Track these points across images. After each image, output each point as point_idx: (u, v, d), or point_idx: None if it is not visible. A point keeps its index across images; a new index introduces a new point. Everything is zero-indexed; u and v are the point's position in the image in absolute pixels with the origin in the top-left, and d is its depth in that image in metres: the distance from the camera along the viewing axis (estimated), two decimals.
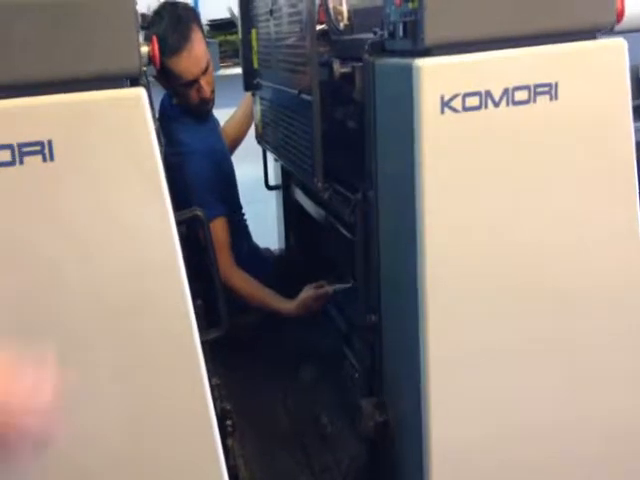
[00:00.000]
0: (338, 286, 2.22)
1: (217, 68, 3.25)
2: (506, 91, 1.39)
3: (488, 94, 1.38)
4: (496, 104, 1.39)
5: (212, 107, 2.50)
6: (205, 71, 2.36)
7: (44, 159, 1.30)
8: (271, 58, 2.25)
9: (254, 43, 2.48)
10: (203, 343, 1.47)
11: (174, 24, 2.28)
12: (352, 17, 1.98)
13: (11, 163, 1.29)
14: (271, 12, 2.16)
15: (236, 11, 2.61)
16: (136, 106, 1.33)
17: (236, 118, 2.88)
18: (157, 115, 2.39)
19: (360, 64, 1.63)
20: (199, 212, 1.60)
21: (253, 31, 2.46)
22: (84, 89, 1.31)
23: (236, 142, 2.88)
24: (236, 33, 2.72)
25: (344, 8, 1.97)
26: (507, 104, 1.39)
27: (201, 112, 2.48)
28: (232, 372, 2.09)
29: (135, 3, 1.34)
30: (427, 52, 1.39)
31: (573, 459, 1.62)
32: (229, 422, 1.70)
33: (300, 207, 2.52)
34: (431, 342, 1.47)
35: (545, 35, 1.42)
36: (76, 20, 1.30)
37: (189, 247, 1.51)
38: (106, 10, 1.31)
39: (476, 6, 1.39)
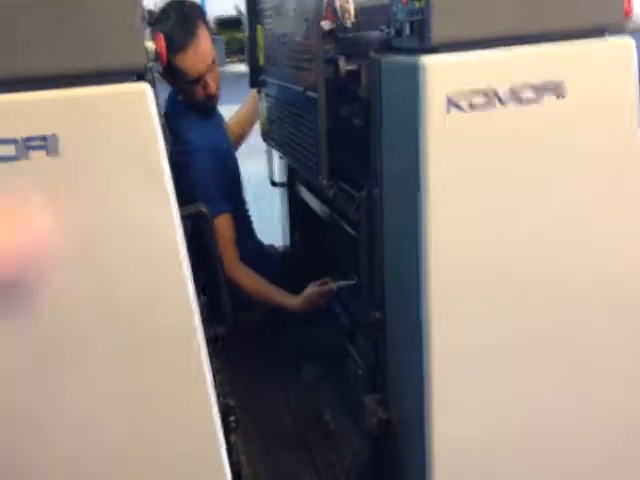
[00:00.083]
0: (342, 283, 2.22)
1: (223, 64, 3.26)
2: (513, 90, 1.38)
3: (494, 93, 1.38)
4: (502, 103, 1.38)
5: (217, 104, 2.50)
6: (211, 68, 2.36)
7: (49, 154, 1.30)
8: (277, 55, 2.25)
9: (260, 40, 2.48)
10: (207, 339, 1.47)
11: (180, 21, 2.28)
12: (359, 15, 1.97)
13: (16, 157, 1.29)
14: (277, 9, 2.16)
15: (243, 8, 2.61)
16: (141, 101, 1.33)
17: (241, 115, 2.89)
18: (163, 111, 2.39)
19: (366, 62, 1.62)
20: (203, 208, 1.60)
21: (259, 28, 2.46)
22: (89, 84, 1.31)
23: (241, 139, 2.88)
24: (242, 30, 2.72)
25: (351, 6, 1.97)
26: (513, 103, 1.39)
27: (206, 108, 2.48)
28: (235, 368, 2.09)
29: None
30: (433, 50, 1.39)
31: (575, 457, 1.62)
32: (232, 418, 1.69)
33: (305, 204, 2.52)
34: (434, 339, 1.47)
35: (552, 33, 1.42)
36: (82, 15, 1.30)
37: (193, 243, 1.51)
38: (112, 5, 1.31)
39: (483, 4, 1.38)
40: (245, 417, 1.85)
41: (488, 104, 1.38)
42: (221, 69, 2.59)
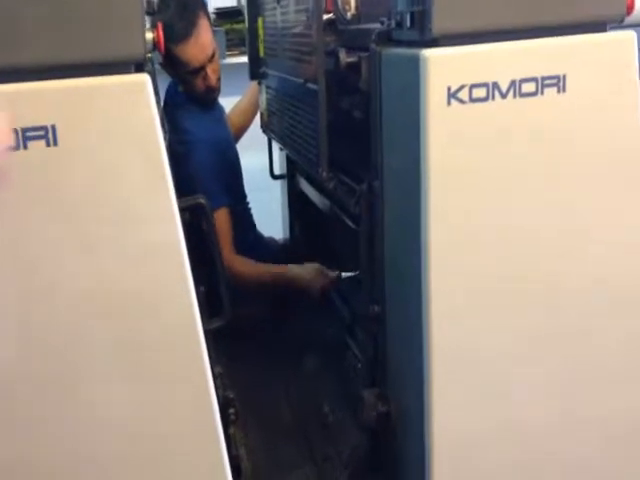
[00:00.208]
0: (344, 274, 2.22)
1: (223, 56, 3.25)
2: (513, 83, 1.38)
3: (495, 85, 1.37)
4: (503, 96, 1.38)
5: (218, 95, 2.50)
6: (211, 59, 2.36)
7: (48, 144, 1.29)
8: (277, 47, 2.24)
9: (260, 31, 2.47)
10: (206, 332, 1.46)
11: (181, 11, 2.27)
12: (359, 6, 1.97)
13: (15, 148, 1.29)
14: (278, 0, 2.15)
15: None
16: (140, 92, 1.32)
17: (241, 106, 2.88)
18: (162, 102, 2.38)
19: (367, 54, 1.62)
20: (202, 200, 1.59)
21: (259, 19, 2.45)
22: (88, 74, 1.30)
23: (241, 131, 2.88)
24: (243, 21, 2.72)
25: None
26: (514, 96, 1.38)
27: (207, 100, 2.47)
28: (235, 361, 2.08)
29: None
30: (434, 42, 1.38)
31: (573, 452, 1.62)
32: (232, 411, 1.69)
33: (305, 197, 2.52)
34: (434, 333, 1.46)
35: (554, 27, 1.41)
36: (81, 5, 1.29)
37: (192, 235, 1.51)
38: None
39: None
40: (245, 410, 1.85)
41: (489, 97, 1.37)
42: (222, 62, 2.59)
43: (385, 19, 1.62)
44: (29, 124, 1.28)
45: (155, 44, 1.43)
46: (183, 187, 1.50)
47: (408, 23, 1.46)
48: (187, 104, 2.46)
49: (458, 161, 1.41)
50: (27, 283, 1.36)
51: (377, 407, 1.71)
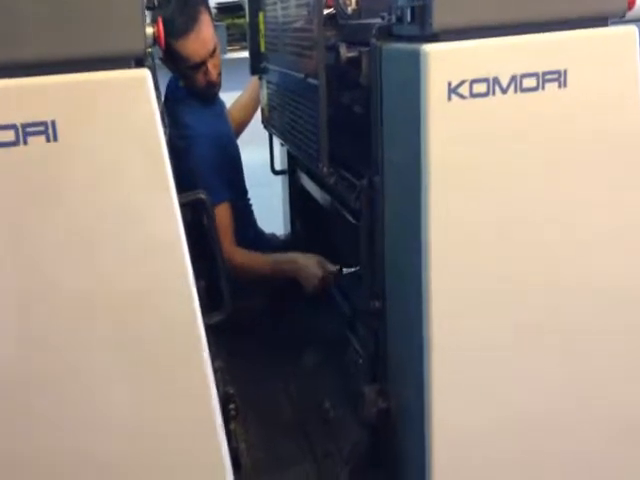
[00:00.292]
0: (345, 269, 2.22)
1: (224, 51, 3.24)
2: (514, 78, 1.37)
3: (496, 81, 1.37)
4: (504, 91, 1.38)
5: (219, 90, 2.49)
6: (212, 54, 2.35)
7: (48, 139, 1.29)
8: (278, 42, 2.24)
9: (261, 26, 2.46)
10: (206, 326, 1.46)
11: (182, 6, 2.27)
12: (360, 1, 1.96)
13: (15, 143, 1.28)
14: None
15: None
16: (140, 87, 1.32)
17: (242, 102, 2.87)
18: (163, 98, 2.38)
19: (367, 49, 1.61)
20: (203, 195, 1.59)
21: (260, 14, 2.44)
22: (88, 69, 1.30)
23: (242, 126, 2.87)
24: (244, 16, 2.71)
25: None
26: (515, 91, 1.38)
27: (207, 95, 2.47)
28: (235, 356, 2.08)
29: None
30: (435, 37, 1.38)
31: (573, 448, 1.62)
32: (232, 406, 1.69)
33: (306, 192, 2.51)
34: (434, 329, 1.46)
35: (555, 22, 1.41)
36: (81, 0, 1.29)
37: (193, 230, 1.50)
38: None
39: None
40: (245, 405, 1.85)
41: (489, 92, 1.37)
42: (223, 57, 2.58)
43: (386, 14, 1.62)
44: (29, 119, 1.28)
45: (155, 39, 1.43)
46: (184, 182, 1.50)
47: (409, 18, 1.45)
48: (188, 99, 2.45)
49: (458, 156, 1.40)
50: (27, 280, 1.36)
51: (378, 403, 1.71)
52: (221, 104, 2.64)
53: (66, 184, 1.32)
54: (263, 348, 2.35)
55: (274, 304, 2.49)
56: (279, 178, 2.92)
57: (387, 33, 1.57)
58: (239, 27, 3.55)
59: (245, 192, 2.69)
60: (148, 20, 1.40)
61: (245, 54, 2.67)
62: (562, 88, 1.40)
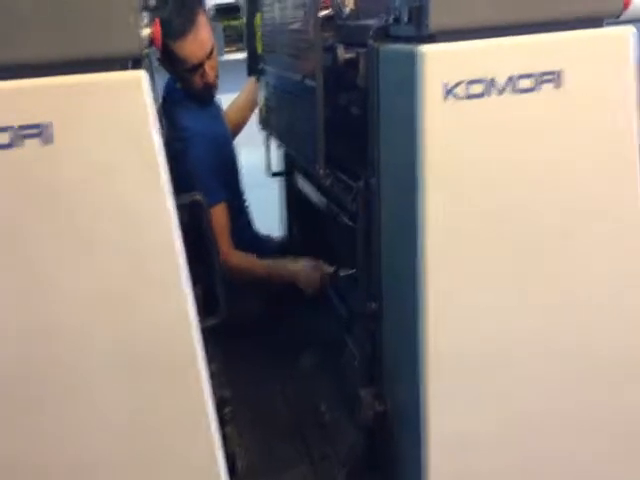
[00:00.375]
0: (342, 271, 2.21)
1: (221, 53, 3.24)
2: (510, 79, 1.37)
3: (492, 81, 1.37)
4: (500, 92, 1.37)
5: (215, 92, 2.49)
6: (209, 55, 2.35)
7: (43, 142, 1.29)
8: (275, 43, 2.24)
9: (258, 28, 2.46)
10: (202, 330, 1.46)
11: (179, 8, 2.26)
12: (358, 2, 1.96)
13: (10, 145, 1.28)
14: None
15: None
16: (137, 89, 1.31)
17: (239, 103, 2.87)
18: (160, 99, 2.38)
19: (364, 50, 1.61)
20: (199, 197, 1.58)
21: (257, 15, 2.44)
22: (84, 71, 1.30)
23: (238, 127, 2.87)
24: (241, 18, 2.71)
25: None
26: (511, 92, 1.38)
27: (205, 97, 2.47)
28: (232, 359, 2.08)
29: None
30: (431, 38, 1.37)
31: (571, 451, 1.62)
32: (227, 409, 1.69)
33: (302, 194, 2.51)
34: (430, 331, 1.46)
35: (550, 22, 1.41)
36: (77, 1, 1.28)
37: (189, 232, 1.50)
38: None
39: None
40: (241, 408, 1.84)
41: (485, 92, 1.37)
42: (220, 58, 2.58)
43: (383, 15, 1.61)
44: (24, 122, 1.27)
45: (152, 41, 1.42)
46: (181, 183, 1.50)
47: (405, 19, 1.45)
48: (185, 101, 2.45)
49: (455, 157, 1.40)
50: (22, 282, 1.35)
51: (374, 406, 1.71)
52: (218, 106, 2.64)
53: (62, 186, 1.32)
54: (260, 351, 2.35)
55: (271, 307, 2.49)
56: (275, 180, 2.92)
57: (384, 34, 1.57)
58: (236, 28, 3.54)
59: (241, 194, 2.68)
60: (145, 21, 1.39)
61: (242, 55, 2.67)
62: (558, 89, 1.40)
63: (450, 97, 1.36)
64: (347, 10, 1.95)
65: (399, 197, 1.53)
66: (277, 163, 2.86)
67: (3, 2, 1.26)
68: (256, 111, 2.73)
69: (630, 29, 1.42)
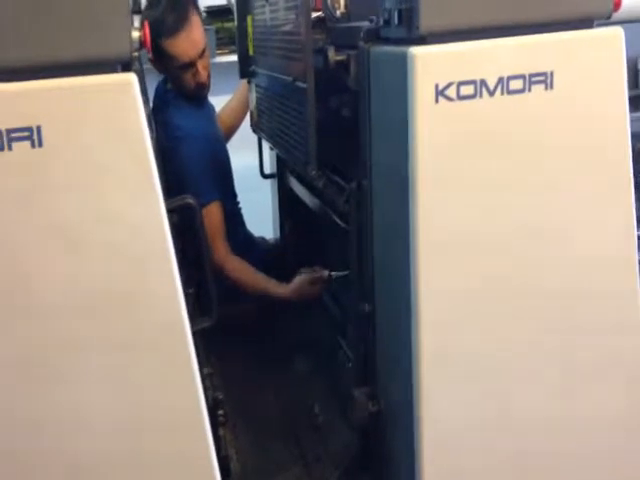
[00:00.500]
0: (335, 273, 2.21)
1: (213, 55, 3.24)
2: (501, 80, 1.37)
3: (483, 83, 1.37)
4: (491, 93, 1.37)
5: (208, 92, 2.49)
6: (202, 54, 2.35)
7: (33, 145, 1.28)
8: (267, 45, 2.24)
9: (250, 30, 2.46)
10: (195, 332, 1.46)
11: (172, 5, 2.26)
12: (349, 4, 1.96)
13: None
14: None
15: None
16: (127, 92, 1.31)
17: (231, 105, 2.87)
18: (152, 102, 2.37)
19: (355, 52, 1.61)
20: (190, 200, 1.58)
21: (249, 18, 2.44)
22: (74, 74, 1.29)
23: (232, 130, 2.87)
24: (233, 20, 2.70)
25: None
26: (502, 93, 1.38)
27: (197, 97, 2.46)
28: (225, 361, 2.08)
29: None
30: (422, 40, 1.38)
31: (565, 447, 1.62)
32: (221, 412, 1.69)
33: (295, 196, 2.51)
34: (423, 331, 1.46)
35: (541, 24, 1.41)
36: (66, 3, 1.28)
37: (181, 235, 1.50)
38: None
39: None
40: (235, 410, 1.84)
41: (476, 94, 1.37)
42: (212, 61, 2.58)
43: (374, 17, 1.61)
44: (14, 125, 1.27)
45: (142, 43, 1.42)
46: (174, 183, 1.49)
47: (396, 21, 1.45)
48: (176, 101, 2.45)
49: (446, 158, 1.40)
50: (12, 285, 1.35)
51: (368, 406, 1.71)
52: (210, 107, 2.64)
53: (52, 190, 1.31)
54: (253, 352, 2.34)
55: (264, 309, 2.48)
56: (268, 183, 2.92)
57: (375, 36, 1.58)
58: (228, 31, 3.55)
59: (235, 196, 2.68)
60: (136, 24, 1.39)
61: (234, 58, 2.67)
62: (549, 90, 1.40)
63: (441, 98, 1.36)
64: (338, 12, 1.95)
65: (391, 198, 1.53)
66: (269, 165, 2.86)
67: None
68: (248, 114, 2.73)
69: (619, 30, 1.42)
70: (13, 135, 1.27)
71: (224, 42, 3.58)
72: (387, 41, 1.52)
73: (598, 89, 1.43)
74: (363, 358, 1.79)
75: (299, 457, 2.03)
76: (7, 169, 1.29)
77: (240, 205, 2.72)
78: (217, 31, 3.56)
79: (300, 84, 1.81)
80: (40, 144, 1.28)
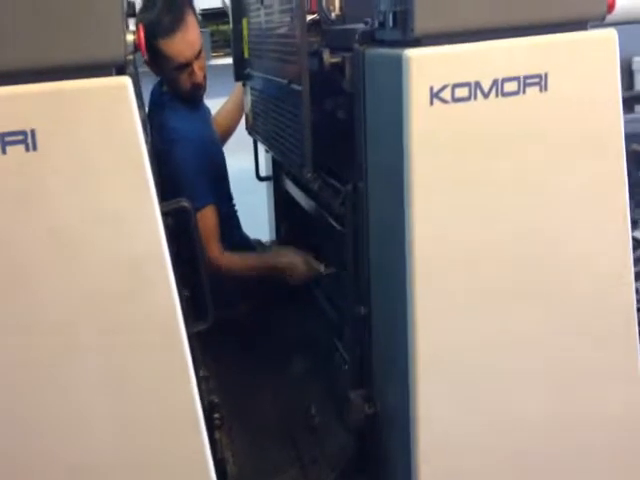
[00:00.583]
0: (326, 269, 2.22)
1: (209, 58, 3.24)
2: (495, 82, 1.37)
3: (477, 85, 1.37)
4: (485, 95, 1.38)
5: (204, 93, 2.49)
6: (198, 55, 2.35)
7: (27, 149, 1.28)
8: (262, 48, 2.24)
9: (245, 33, 2.46)
10: (191, 335, 1.45)
11: (168, 6, 2.26)
12: (344, 7, 1.96)
13: None
14: (262, 1, 2.15)
15: (227, 0, 2.59)
16: (121, 95, 1.31)
17: (227, 108, 2.87)
18: (147, 105, 2.37)
19: (350, 54, 1.61)
20: (185, 203, 1.58)
21: (244, 20, 2.44)
22: (68, 77, 1.29)
23: (228, 132, 2.86)
24: (228, 23, 2.70)
25: None
26: (496, 95, 1.38)
27: (193, 98, 2.46)
28: (221, 364, 2.08)
29: None
30: (417, 42, 1.38)
31: (562, 450, 1.62)
32: (217, 415, 1.68)
33: (291, 198, 2.51)
34: (419, 333, 1.46)
35: (535, 26, 1.41)
36: (60, 7, 1.28)
37: (176, 238, 1.50)
38: None
39: None
40: (231, 413, 1.84)
41: (471, 96, 1.37)
42: (207, 63, 2.58)
43: (369, 19, 1.62)
44: (8, 129, 1.27)
45: (136, 46, 1.42)
46: (169, 185, 1.49)
47: (391, 23, 1.45)
48: (172, 103, 2.44)
49: (441, 160, 1.40)
50: (7, 289, 1.34)
51: (364, 408, 1.71)
52: (206, 110, 2.64)
53: (46, 194, 1.31)
54: (249, 355, 2.34)
55: (260, 311, 2.48)
56: (264, 186, 2.92)
57: (370, 38, 1.58)
58: (223, 34, 3.56)
59: (230, 198, 2.68)
60: (131, 27, 1.39)
61: (229, 60, 2.67)
62: (543, 92, 1.40)
63: (436, 101, 1.36)
64: (333, 15, 1.95)
65: (387, 200, 1.53)
66: (265, 167, 2.86)
67: None
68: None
69: (613, 31, 1.42)
70: (7, 139, 1.27)
71: (219, 45, 3.59)
72: (382, 43, 1.52)
73: (592, 90, 1.44)
74: (359, 360, 1.79)
75: (295, 459, 2.02)
76: (1, 173, 1.28)
77: (236, 208, 2.72)
78: (212, 34, 3.57)
79: (295, 86, 1.81)
80: (34, 148, 1.28)
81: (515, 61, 1.39)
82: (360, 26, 1.65)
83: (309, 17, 1.93)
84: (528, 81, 1.39)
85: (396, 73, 1.38)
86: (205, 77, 2.42)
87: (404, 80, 1.36)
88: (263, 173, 2.85)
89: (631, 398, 1.62)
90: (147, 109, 2.31)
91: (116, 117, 1.32)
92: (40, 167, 1.30)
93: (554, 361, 1.56)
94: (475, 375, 1.52)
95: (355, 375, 1.81)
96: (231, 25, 2.54)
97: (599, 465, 1.65)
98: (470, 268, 1.46)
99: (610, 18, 1.45)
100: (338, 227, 1.84)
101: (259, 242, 2.90)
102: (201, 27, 2.85)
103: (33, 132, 1.28)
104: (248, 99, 2.59)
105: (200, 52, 2.35)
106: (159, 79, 2.50)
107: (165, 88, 2.47)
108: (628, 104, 1.61)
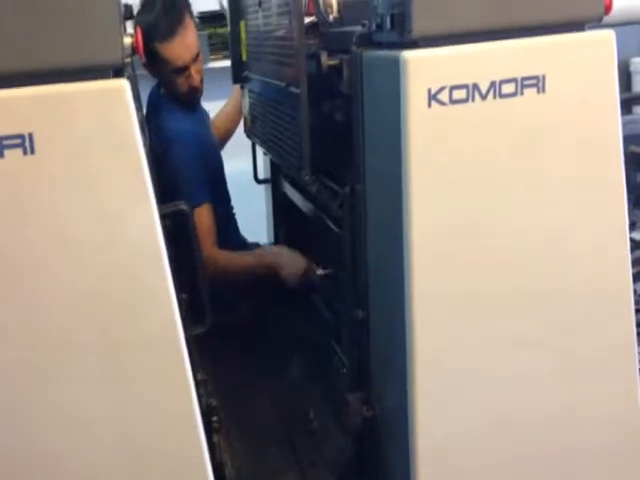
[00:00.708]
0: (321, 271, 2.21)
1: (207, 60, 3.24)
2: (493, 84, 1.37)
3: (475, 87, 1.37)
4: (483, 97, 1.38)
5: (201, 96, 2.49)
6: (196, 59, 2.35)
7: (25, 152, 1.28)
8: (260, 50, 2.24)
9: (243, 35, 2.46)
10: (189, 338, 1.45)
11: (167, 10, 2.27)
12: (342, 9, 1.96)
13: None
14: (260, 4, 2.15)
15: (225, 3, 2.59)
16: (119, 98, 1.31)
17: (226, 111, 2.87)
18: (145, 107, 2.37)
19: (348, 56, 1.61)
20: (184, 206, 1.57)
21: (242, 23, 2.44)
22: (65, 80, 1.29)
23: (227, 135, 2.87)
24: (226, 25, 2.71)
25: (334, 0, 1.96)
26: (494, 97, 1.38)
27: (190, 101, 2.46)
28: (219, 367, 2.07)
29: None
30: (414, 44, 1.38)
31: (560, 452, 1.62)
32: (215, 418, 1.68)
33: (289, 201, 2.51)
34: (418, 336, 1.46)
35: (533, 27, 1.41)
36: (57, 10, 1.27)
37: (174, 240, 1.49)
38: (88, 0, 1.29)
39: None
40: (229, 416, 1.84)
41: (469, 98, 1.37)
42: (205, 66, 2.58)
43: (367, 21, 1.62)
44: (5, 132, 1.26)
45: (134, 49, 1.42)
46: (166, 185, 1.49)
47: (388, 25, 1.45)
48: (169, 105, 2.45)
49: (439, 163, 1.40)
50: (6, 292, 1.34)
51: (362, 411, 1.71)
52: (204, 113, 2.64)
53: (44, 197, 1.31)
54: (247, 358, 2.34)
55: (258, 314, 2.48)
56: (262, 188, 2.91)
57: (367, 41, 1.58)
58: (221, 36, 3.55)
59: (228, 200, 2.68)
60: (129, 29, 1.39)
61: (227, 63, 2.67)
62: (541, 93, 1.40)
63: (434, 103, 1.36)
64: (331, 17, 1.95)
65: (385, 203, 1.53)
66: (263, 170, 2.85)
67: None
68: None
69: (610, 33, 1.42)
70: (5, 142, 1.26)
71: (217, 47, 3.58)
72: (380, 45, 1.52)
73: (590, 92, 1.44)
74: (357, 363, 1.79)
75: (294, 463, 2.02)
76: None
77: (234, 210, 2.72)
78: (210, 37, 3.56)
79: (293, 89, 1.81)
80: (32, 151, 1.28)
81: (512, 63, 1.38)
82: (358, 28, 1.65)
83: (307, 19, 1.92)
84: (526, 82, 1.39)
85: (394, 75, 1.38)
86: (202, 80, 2.42)
87: (402, 82, 1.36)
88: (261, 176, 2.85)
89: (631, 398, 1.61)
90: (145, 112, 2.31)
91: (114, 120, 1.31)
92: (38, 170, 1.29)
93: (553, 362, 1.55)
94: (474, 377, 1.52)
95: (353, 378, 1.81)
96: (229, 28, 2.54)
97: (599, 465, 1.64)
98: (468, 270, 1.46)
99: (607, 19, 1.45)
100: (336, 229, 1.84)
101: (257, 245, 2.90)
102: (199, 30, 2.86)
103: (31, 135, 1.27)
104: (246, 102, 2.59)
105: (198, 55, 2.36)
106: (157, 81, 2.50)
107: (163, 91, 2.47)
108: (626, 105, 1.61)
